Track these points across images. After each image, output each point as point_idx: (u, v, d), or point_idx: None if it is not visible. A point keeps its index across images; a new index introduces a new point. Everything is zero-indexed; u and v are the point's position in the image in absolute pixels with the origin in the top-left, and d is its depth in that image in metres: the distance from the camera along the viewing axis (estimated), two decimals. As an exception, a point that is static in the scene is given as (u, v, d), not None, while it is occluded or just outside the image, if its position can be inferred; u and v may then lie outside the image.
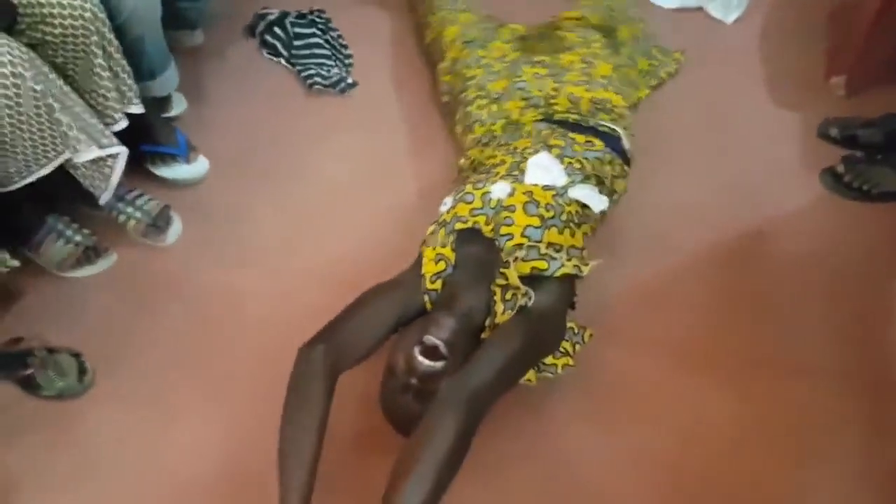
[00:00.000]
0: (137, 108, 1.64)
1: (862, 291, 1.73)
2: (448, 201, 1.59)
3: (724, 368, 1.62)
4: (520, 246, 1.45)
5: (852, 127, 1.98)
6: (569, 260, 1.44)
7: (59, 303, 1.74)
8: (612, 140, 1.73)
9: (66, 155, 1.51)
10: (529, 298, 1.37)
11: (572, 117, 1.77)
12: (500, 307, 1.39)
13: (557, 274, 1.42)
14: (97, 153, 1.53)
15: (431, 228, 1.55)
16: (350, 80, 2.25)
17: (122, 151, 1.61)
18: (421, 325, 1.35)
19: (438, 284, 1.47)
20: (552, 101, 1.82)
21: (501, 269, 1.42)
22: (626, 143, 1.76)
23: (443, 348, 1.30)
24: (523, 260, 1.42)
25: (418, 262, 1.51)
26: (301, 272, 1.80)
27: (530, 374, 1.43)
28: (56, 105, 1.43)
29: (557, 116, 1.78)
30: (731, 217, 1.89)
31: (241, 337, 1.69)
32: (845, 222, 1.86)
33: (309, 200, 1.97)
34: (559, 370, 1.45)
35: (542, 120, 1.79)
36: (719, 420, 1.54)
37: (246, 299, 1.75)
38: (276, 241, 1.88)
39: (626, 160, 1.76)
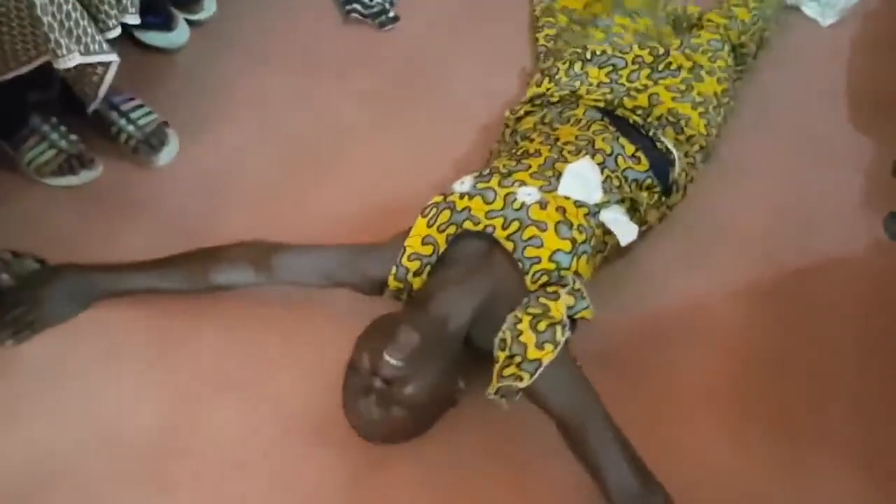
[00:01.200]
0: (133, 19, 1.48)
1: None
2: (467, 182, 1.41)
3: (726, 418, 1.44)
4: (544, 271, 1.30)
5: (933, 171, 1.75)
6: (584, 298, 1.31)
7: (28, 209, 1.63)
8: (660, 163, 1.54)
9: (45, 58, 1.36)
10: (566, 330, 1.24)
11: (634, 118, 1.58)
12: (530, 338, 1.23)
13: (577, 316, 1.30)
14: (80, 60, 1.37)
15: (437, 199, 1.40)
16: (392, 14, 2.07)
17: (113, 60, 1.46)
18: (386, 331, 1.21)
19: (415, 265, 1.34)
20: (632, 92, 1.65)
21: (543, 300, 1.26)
22: (676, 172, 1.56)
23: (402, 365, 1.17)
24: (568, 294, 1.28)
25: (404, 234, 1.38)
26: (286, 221, 1.65)
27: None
28: (38, 2, 1.28)
29: (620, 112, 1.60)
30: (776, 248, 1.68)
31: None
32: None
33: (315, 143, 1.81)
34: None
35: (597, 108, 1.60)
36: (710, 474, 1.36)
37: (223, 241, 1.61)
38: (270, 182, 1.74)
39: (667, 190, 1.56)
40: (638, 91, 1.66)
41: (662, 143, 1.55)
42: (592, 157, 1.44)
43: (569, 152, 1.45)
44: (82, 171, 1.67)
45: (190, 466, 1.32)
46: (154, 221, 1.64)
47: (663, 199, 1.55)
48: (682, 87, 1.68)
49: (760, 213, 1.75)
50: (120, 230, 1.61)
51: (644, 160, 1.51)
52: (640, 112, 1.61)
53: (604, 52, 1.73)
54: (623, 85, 1.68)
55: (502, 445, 1.37)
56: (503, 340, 1.25)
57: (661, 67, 1.71)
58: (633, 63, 1.71)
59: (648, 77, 1.69)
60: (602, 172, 1.43)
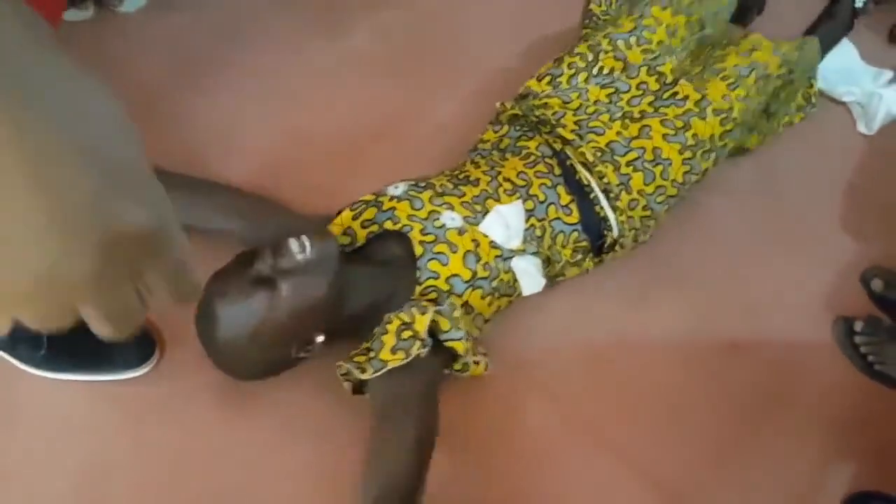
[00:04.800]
0: None
1: (795, 473, 1.46)
2: (400, 187, 1.43)
3: (609, 467, 1.41)
4: (436, 289, 1.32)
5: None
6: (467, 340, 1.30)
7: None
8: (591, 216, 1.49)
9: None
10: (425, 347, 1.24)
11: (589, 154, 1.51)
12: (391, 340, 1.25)
13: (447, 344, 1.29)
14: None
15: (368, 198, 1.42)
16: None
17: None
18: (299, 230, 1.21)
19: None
20: (626, 121, 1.58)
21: (413, 309, 1.27)
22: (615, 234, 1.52)
23: (307, 255, 1.18)
24: (437, 312, 1.28)
25: (329, 219, 1.43)
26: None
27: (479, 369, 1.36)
28: None
29: (580, 146, 1.52)
30: (718, 315, 1.63)
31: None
32: (833, 383, 1.57)
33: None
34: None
35: (549, 144, 1.55)
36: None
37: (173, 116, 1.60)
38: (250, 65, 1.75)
39: (598, 248, 1.53)
40: (632, 120, 1.59)
41: (602, 208, 1.50)
42: (525, 201, 1.43)
43: (504, 191, 1.44)
44: (71, 9, 1.65)
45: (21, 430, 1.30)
46: (114, 66, 1.65)
47: (590, 255, 1.53)
48: (680, 123, 1.57)
49: (717, 277, 1.68)
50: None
51: (575, 212, 1.48)
52: (601, 154, 1.52)
53: (612, 70, 1.64)
54: (621, 108, 1.61)
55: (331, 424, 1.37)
56: (373, 330, 1.30)
57: (665, 96, 1.62)
58: (637, 88, 1.64)
59: (650, 104, 1.61)
60: (528, 220, 1.43)
